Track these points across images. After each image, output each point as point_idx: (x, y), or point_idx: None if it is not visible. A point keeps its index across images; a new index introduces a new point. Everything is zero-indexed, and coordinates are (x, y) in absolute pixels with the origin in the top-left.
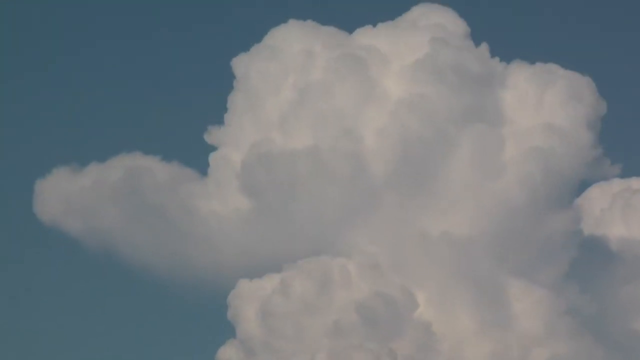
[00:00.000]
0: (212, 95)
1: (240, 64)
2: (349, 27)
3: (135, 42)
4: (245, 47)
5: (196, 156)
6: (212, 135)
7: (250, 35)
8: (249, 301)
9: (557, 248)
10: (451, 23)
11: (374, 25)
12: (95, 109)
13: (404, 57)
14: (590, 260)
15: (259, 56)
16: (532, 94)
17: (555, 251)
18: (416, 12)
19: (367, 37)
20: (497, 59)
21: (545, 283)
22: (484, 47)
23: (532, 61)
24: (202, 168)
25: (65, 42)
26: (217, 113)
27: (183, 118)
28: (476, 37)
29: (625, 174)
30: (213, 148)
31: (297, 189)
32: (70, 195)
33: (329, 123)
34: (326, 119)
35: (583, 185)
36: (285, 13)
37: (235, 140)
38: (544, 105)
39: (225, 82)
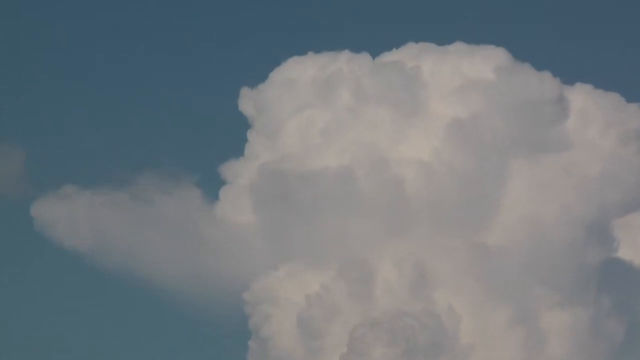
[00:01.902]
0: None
1: (257, 95)
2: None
3: (156, 65)
4: (259, 79)
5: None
6: (227, 169)
7: (264, 66)
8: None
9: (594, 272)
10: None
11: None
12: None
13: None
14: (625, 284)
15: (275, 86)
16: (592, 124)
17: (593, 275)
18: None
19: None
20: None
21: (580, 306)
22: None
23: (595, 86)
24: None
25: (81, 69)
26: (233, 147)
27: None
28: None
29: None
30: (227, 181)
31: (324, 206)
32: (79, 212)
33: (358, 147)
34: (355, 144)
35: (623, 212)
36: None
37: (251, 169)
38: (599, 134)
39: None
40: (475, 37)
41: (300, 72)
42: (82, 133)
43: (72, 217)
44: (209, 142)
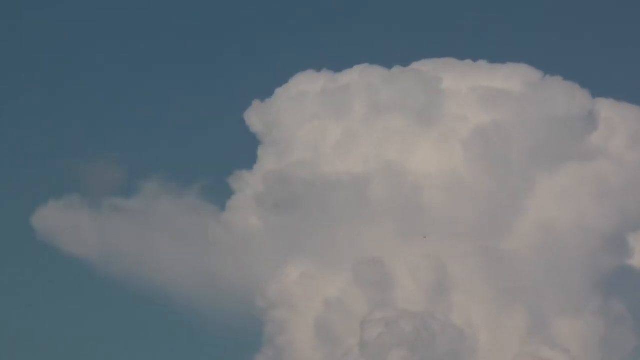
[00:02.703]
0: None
1: (267, 109)
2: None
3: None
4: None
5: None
6: (237, 179)
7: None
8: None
9: (608, 280)
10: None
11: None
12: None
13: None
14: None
15: (286, 99)
16: (617, 137)
17: (607, 283)
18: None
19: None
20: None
21: (594, 313)
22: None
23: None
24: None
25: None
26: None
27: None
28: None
29: None
30: (235, 190)
31: (337, 212)
32: (83, 220)
33: (374, 155)
34: (372, 152)
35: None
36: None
37: (262, 177)
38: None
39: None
40: (499, 54)
41: (312, 84)
42: (90, 140)
43: (76, 226)
44: (217, 150)
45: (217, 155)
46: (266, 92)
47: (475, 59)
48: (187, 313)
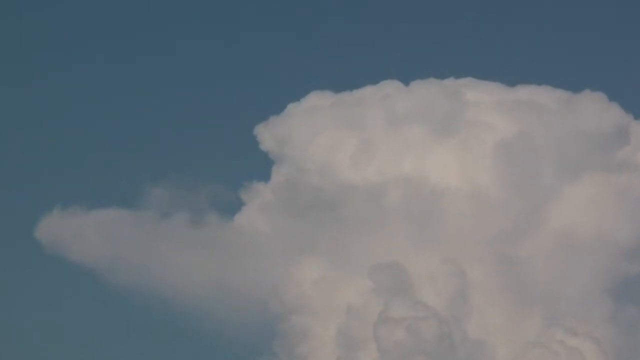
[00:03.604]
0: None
1: (280, 124)
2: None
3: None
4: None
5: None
6: (251, 187)
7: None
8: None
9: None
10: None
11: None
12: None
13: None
14: None
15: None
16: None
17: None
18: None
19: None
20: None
21: (610, 323)
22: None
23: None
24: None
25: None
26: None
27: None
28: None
29: None
30: (249, 199)
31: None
32: (87, 230)
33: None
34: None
35: None
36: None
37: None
38: None
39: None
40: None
41: (325, 99)
42: (98, 148)
43: (82, 234)
44: (229, 159)
45: (229, 165)
46: (280, 107)
47: (503, 82)
48: (198, 321)
